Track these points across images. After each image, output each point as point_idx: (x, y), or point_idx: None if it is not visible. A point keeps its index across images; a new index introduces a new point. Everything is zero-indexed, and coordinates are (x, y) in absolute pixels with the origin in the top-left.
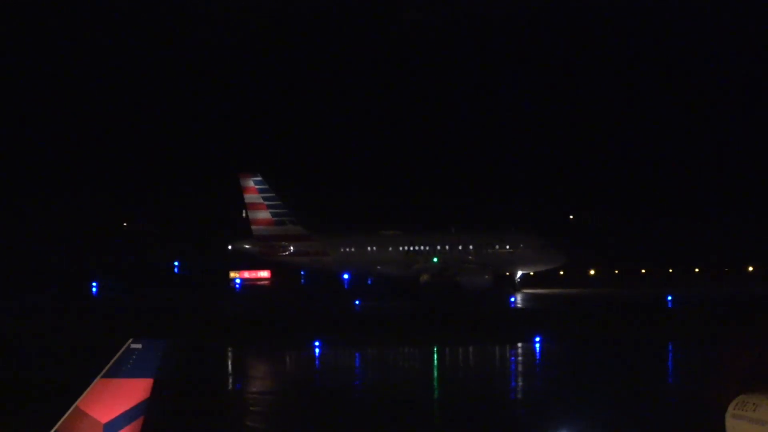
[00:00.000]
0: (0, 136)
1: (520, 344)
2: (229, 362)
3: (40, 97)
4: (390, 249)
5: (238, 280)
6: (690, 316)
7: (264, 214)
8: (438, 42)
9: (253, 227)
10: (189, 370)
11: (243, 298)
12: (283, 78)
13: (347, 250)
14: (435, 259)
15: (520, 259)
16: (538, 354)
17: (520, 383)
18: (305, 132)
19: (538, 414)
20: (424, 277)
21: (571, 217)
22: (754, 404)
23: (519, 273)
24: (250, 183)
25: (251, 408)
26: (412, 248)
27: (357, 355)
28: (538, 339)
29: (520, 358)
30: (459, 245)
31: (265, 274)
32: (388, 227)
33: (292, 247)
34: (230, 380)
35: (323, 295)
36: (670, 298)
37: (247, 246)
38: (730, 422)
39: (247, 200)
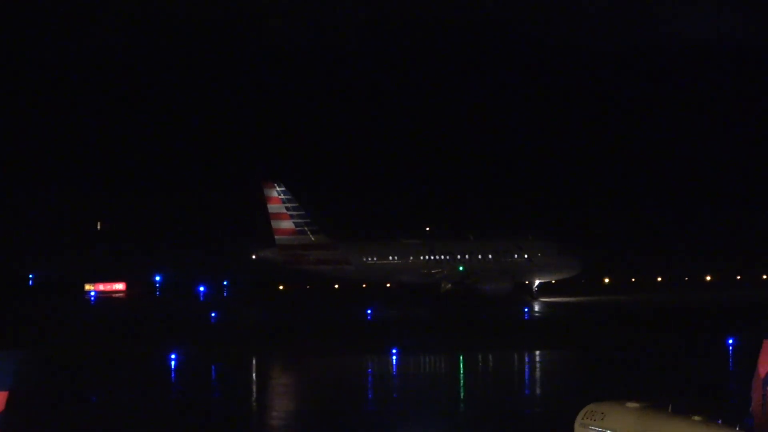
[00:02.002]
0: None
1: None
2: (81, 373)
3: (67, 113)
4: (411, 258)
5: (93, 293)
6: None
7: (287, 224)
8: (462, 50)
9: (276, 236)
10: (42, 382)
11: (97, 309)
12: (305, 88)
13: (369, 259)
14: (461, 268)
15: (539, 267)
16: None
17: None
18: (327, 142)
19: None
20: (446, 285)
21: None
22: (602, 413)
23: (537, 281)
24: (274, 192)
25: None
26: (432, 257)
27: (213, 367)
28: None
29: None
30: (478, 254)
31: (120, 286)
32: (408, 236)
33: (316, 257)
34: (82, 391)
35: (180, 307)
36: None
37: (270, 255)
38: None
39: (270, 210)
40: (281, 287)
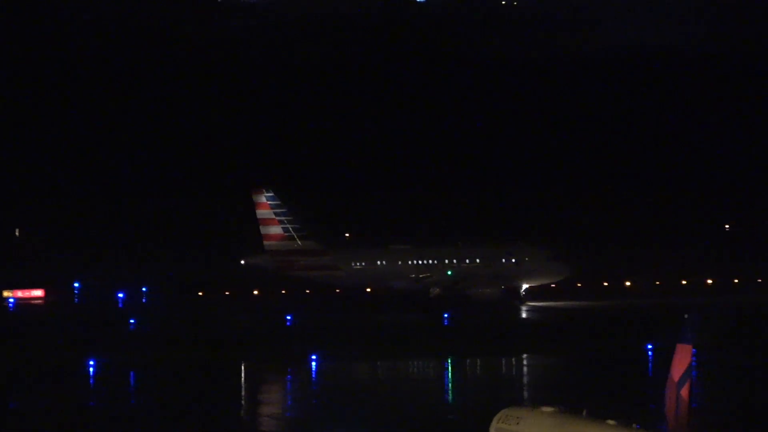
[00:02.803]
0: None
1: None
2: None
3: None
4: (400, 263)
5: (11, 299)
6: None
7: (276, 230)
8: (450, 59)
9: (265, 242)
10: None
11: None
12: (292, 93)
13: (358, 264)
14: (449, 273)
15: (527, 272)
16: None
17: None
18: (316, 148)
19: None
20: (435, 291)
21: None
22: (517, 417)
23: (525, 286)
24: (263, 199)
25: None
26: (421, 262)
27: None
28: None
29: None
30: (467, 259)
31: (38, 293)
32: (397, 242)
33: (305, 263)
34: None
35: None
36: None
37: (260, 261)
38: None
39: (259, 216)
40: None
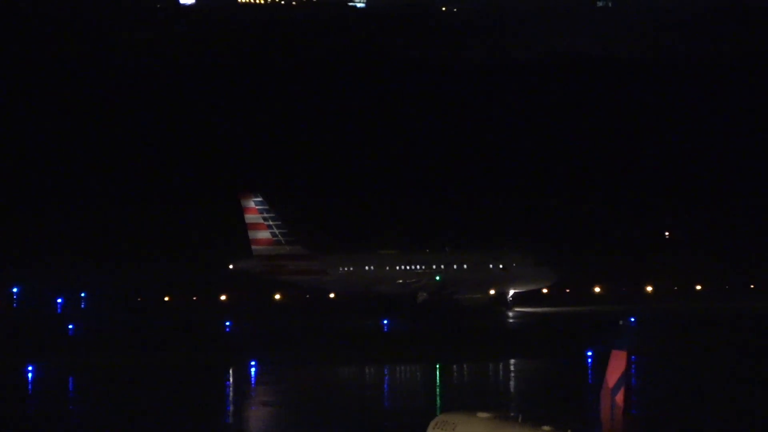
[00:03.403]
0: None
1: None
2: None
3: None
4: (387, 268)
5: None
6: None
7: (264, 234)
8: (438, 71)
9: (254, 247)
10: None
11: None
12: (280, 97)
13: (346, 269)
14: (438, 278)
15: (514, 278)
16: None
17: None
18: (304, 153)
19: None
20: (422, 296)
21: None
22: (453, 423)
23: (512, 291)
24: (251, 203)
25: None
26: (409, 267)
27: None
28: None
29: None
30: (454, 264)
31: None
32: (385, 247)
33: (292, 267)
34: None
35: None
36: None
37: (247, 266)
38: None
39: (247, 220)
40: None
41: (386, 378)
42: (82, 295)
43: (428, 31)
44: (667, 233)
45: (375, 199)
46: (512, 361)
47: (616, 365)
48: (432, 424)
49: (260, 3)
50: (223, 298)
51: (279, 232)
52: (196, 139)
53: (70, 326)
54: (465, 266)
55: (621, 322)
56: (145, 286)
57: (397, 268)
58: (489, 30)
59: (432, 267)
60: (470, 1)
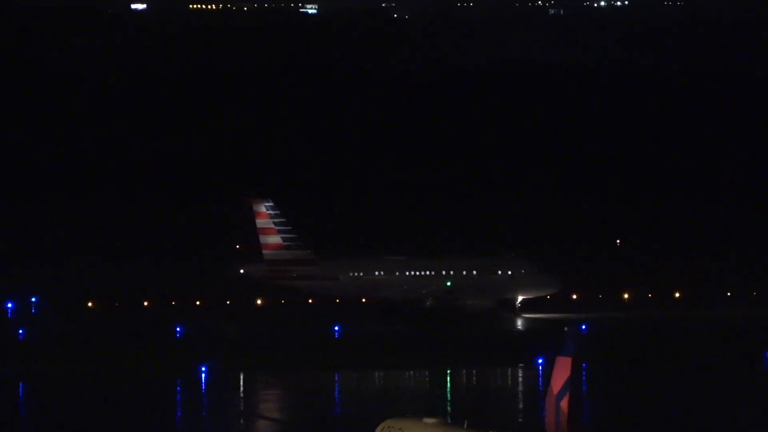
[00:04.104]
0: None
1: None
2: None
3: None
4: (396, 274)
5: None
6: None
7: (274, 239)
8: (447, 75)
9: (264, 251)
10: None
11: None
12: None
13: (354, 274)
14: (448, 284)
15: (520, 285)
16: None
17: None
18: (313, 159)
19: None
20: (430, 302)
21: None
22: (399, 429)
23: (520, 298)
24: (262, 208)
25: None
26: (417, 273)
27: None
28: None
29: None
30: (462, 271)
31: None
32: (392, 252)
33: (299, 272)
34: None
35: None
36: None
37: (257, 270)
38: None
39: (258, 225)
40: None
41: (342, 384)
42: (33, 299)
43: (380, 37)
44: (618, 241)
45: (384, 206)
46: (477, 367)
47: (561, 372)
48: (378, 429)
49: (212, 9)
50: (197, 302)
51: (289, 237)
52: (209, 144)
53: (21, 331)
54: (474, 273)
55: (566, 329)
56: (150, 290)
57: (406, 273)
58: (441, 36)
59: (441, 273)
60: (422, 8)
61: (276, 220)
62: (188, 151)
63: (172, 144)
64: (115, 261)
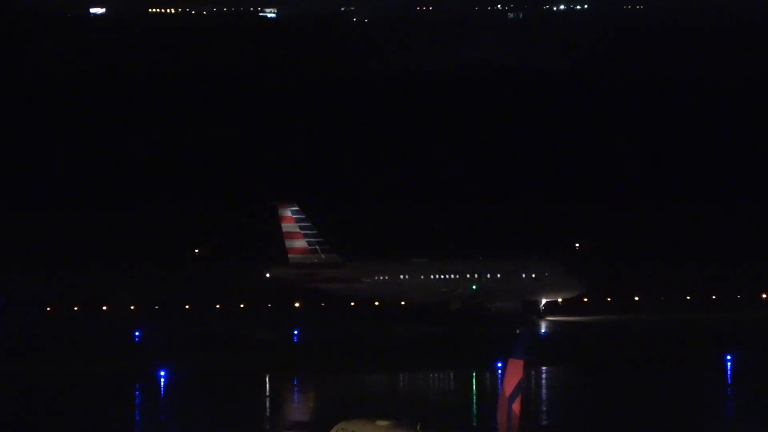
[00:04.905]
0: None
1: None
2: None
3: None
4: (421, 277)
5: None
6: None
7: (300, 243)
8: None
9: (290, 255)
10: None
11: None
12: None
13: (380, 278)
14: (474, 287)
15: (544, 287)
16: None
17: None
18: (337, 163)
19: None
20: (455, 304)
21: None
22: (353, 431)
23: (544, 300)
24: (288, 213)
25: None
26: (442, 276)
27: None
28: None
29: None
30: (487, 273)
31: None
32: (417, 255)
33: (325, 275)
34: None
35: None
36: None
37: (284, 273)
38: None
39: (284, 229)
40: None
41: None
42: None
43: (340, 40)
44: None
45: (408, 209)
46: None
47: (513, 374)
48: (332, 431)
49: (171, 12)
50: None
51: (315, 241)
52: (232, 149)
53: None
54: (498, 275)
55: (518, 331)
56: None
57: (431, 276)
58: (401, 40)
59: (466, 276)
60: (381, 12)
61: (302, 224)
62: (209, 155)
63: (187, 148)
64: (138, 265)
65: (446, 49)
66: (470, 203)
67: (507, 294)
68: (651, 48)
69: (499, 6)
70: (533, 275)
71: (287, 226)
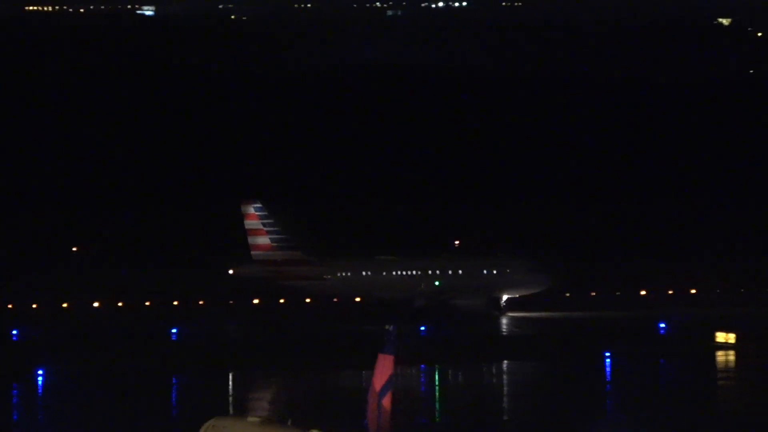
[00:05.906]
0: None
1: None
2: None
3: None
4: (385, 274)
5: None
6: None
7: (263, 240)
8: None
9: (253, 252)
10: None
11: None
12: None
13: (344, 274)
14: (437, 283)
15: (509, 283)
16: None
17: None
18: (302, 159)
19: None
20: (420, 301)
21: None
22: (223, 427)
23: (505, 297)
24: (251, 210)
25: None
26: (405, 273)
27: None
28: None
29: None
30: (450, 270)
31: None
32: (385, 253)
33: (288, 272)
34: None
35: None
36: None
37: (248, 271)
38: None
39: (247, 226)
40: None
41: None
42: None
43: (218, 38)
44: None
45: (373, 206)
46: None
47: (383, 369)
48: (203, 428)
49: (47, 10)
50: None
51: (278, 238)
52: (196, 145)
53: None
54: (460, 272)
55: (388, 327)
56: (137, 293)
57: (394, 273)
58: (279, 38)
59: (429, 273)
60: (260, 10)
61: (265, 221)
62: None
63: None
64: (102, 264)
65: (325, 47)
66: (444, 201)
67: (471, 290)
68: (529, 45)
69: (378, 3)
70: (495, 272)
71: (250, 223)
